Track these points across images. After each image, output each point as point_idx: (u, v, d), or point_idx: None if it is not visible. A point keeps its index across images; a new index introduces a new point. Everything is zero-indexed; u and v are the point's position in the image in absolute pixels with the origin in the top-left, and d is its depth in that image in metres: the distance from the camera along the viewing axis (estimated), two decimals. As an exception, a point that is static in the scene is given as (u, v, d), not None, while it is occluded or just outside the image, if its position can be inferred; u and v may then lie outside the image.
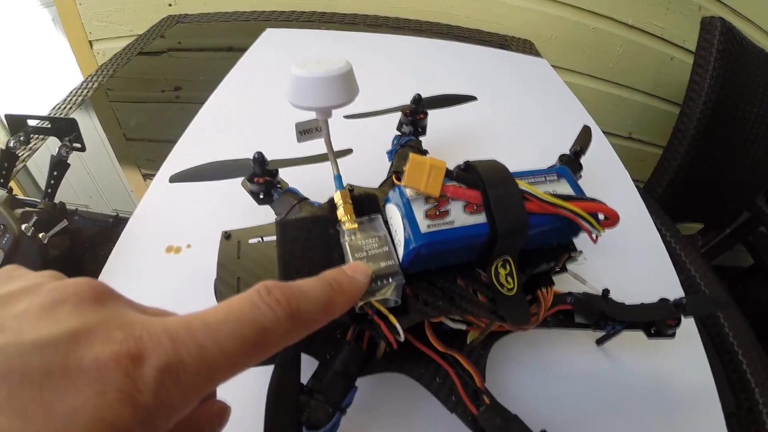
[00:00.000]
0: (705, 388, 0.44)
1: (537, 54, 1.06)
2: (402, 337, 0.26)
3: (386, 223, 0.31)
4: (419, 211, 0.28)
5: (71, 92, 0.83)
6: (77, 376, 0.14)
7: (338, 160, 0.36)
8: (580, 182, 0.47)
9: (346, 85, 0.32)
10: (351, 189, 0.33)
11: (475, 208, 0.29)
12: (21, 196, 0.50)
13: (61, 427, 0.13)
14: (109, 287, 0.18)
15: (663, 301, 0.41)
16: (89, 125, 0.76)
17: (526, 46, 1.10)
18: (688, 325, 0.48)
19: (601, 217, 0.31)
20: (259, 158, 0.41)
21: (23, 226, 0.45)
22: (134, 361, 0.15)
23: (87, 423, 0.14)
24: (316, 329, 0.21)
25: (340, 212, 0.31)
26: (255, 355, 0.18)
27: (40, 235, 0.46)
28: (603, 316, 0.39)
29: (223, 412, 0.23)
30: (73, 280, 0.18)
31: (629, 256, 0.55)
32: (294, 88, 0.32)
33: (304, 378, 0.30)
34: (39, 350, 0.14)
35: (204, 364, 0.16)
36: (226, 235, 0.37)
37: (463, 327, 0.33)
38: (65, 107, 0.78)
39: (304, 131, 0.34)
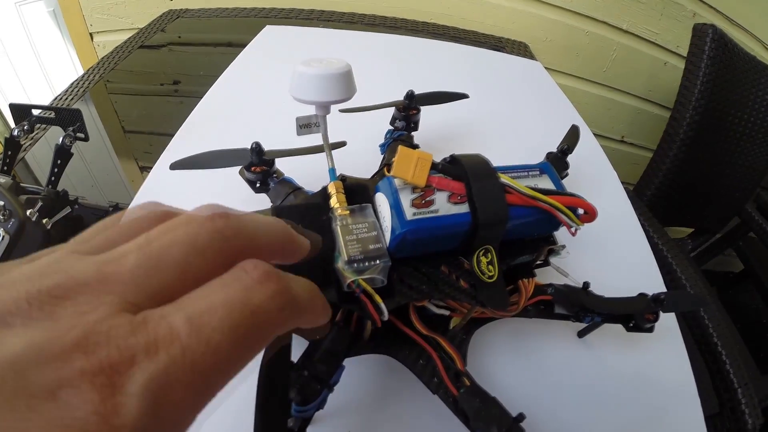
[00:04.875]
0: (685, 384, 0.45)
1: (531, 56, 1.07)
2: (386, 316, 0.28)
3: (375, 211, 0.33)
4: (406, 200, 0.30)
5: (72, 84, 0.84)
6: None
7: (333, 152, 0.38)
8: (567, 181, 0.49)
9: (344, 83, 0.35)
10: (344, 179, 0.35)
11: (458, 198, 0.31)
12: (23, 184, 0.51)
13: None
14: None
15: (642, 295, 0.42)
16: (87, 117, 0.77)
17: (520, 49, 1.12)
18: (670, 323, 0.49)
19: (580, 211, 0.33)
20: (257, 148, 0.42)
21: (28, 212, 0.46)
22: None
23: None
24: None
25: (333, 201, 0.32)
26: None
27: (44, 221, 0.47)
28: (582, 307, 0.40)
29: None
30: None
31: (614, 255, 0.57)
32: (297, 83, 0.35)
33: (295, 357, 0.32)
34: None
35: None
36: (224, 220, 0.38)
37: (446, 312, 0.35)
38: (67, 98, 0.79)
39: (304, 125, 0.36)
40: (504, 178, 0.32)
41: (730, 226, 1.31)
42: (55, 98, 0.80)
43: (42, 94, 1.66)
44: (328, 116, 0.38)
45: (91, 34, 1.39)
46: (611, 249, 0.57)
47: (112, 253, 0.15)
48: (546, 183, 0.35)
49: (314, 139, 0.40)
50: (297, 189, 0.43)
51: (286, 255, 0.20)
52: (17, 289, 0.14)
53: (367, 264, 0.28)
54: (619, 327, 0.43)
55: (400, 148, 0.30)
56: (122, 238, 0.16)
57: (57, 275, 0.14)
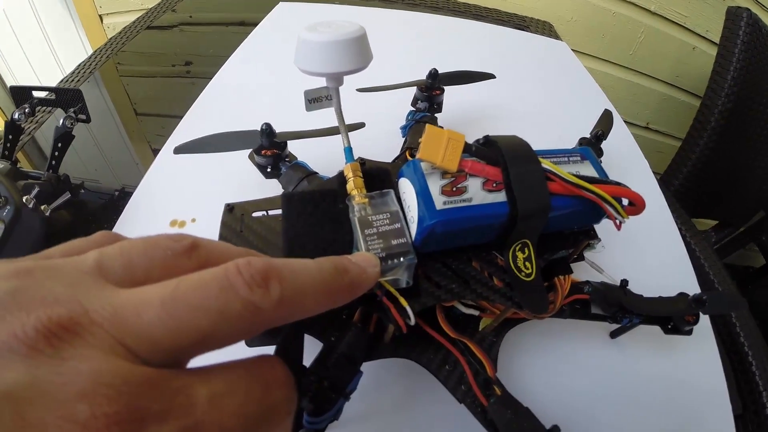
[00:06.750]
0: (716, 389, 0.43)
1: (556, 36, 1.03)
2: (413, 321, 0.25)
3: (399, 198, 0.29)
4: (435, 187, 0.26)
5: (79, 65, 0.82)
6: None
7: (350, 134, 0.34)
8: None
9: (358, 49, 0.30)
10: (362, 162, 0.32)
11: (494, 185, 0.27)
12: (25, 168, 0.49)
13: None
14: None
15: (682, 295, 0.39)
16: (99, 99, 0.75)
17: (545, 28, 1.07)
18: (703, 324, 0.47)
19: (625, 202, 0.30)
20: (267, 130, 0.39)
21: (24, 198, 0.44)
22: None
23: None
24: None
25: (350, 185, 0.29)
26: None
27: (42, 208, 0.45)
28: (621, 308, 0.38)
29: None
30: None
31: (646, 249, 0.54)
32: (303, 53, 0.30)
33: (307, 361, 0.29)
34: None
35: None
36: (229, 208, 0.35)
37: (475, 312, 0.32)
38: (73, 80, 0.77)
39: (314, 99, 0.32)
40: (545, 164, 0.28)
41: (755, 220, 1.28)
42: (62, 80, 0.78)
43: (54, 77, 1.65)
44: (342, 89, 0.33)
45: (100, 16, 1.38)
46: (642, 243, 0.54)
47: (131, 297, 0.15)
48: (588, 170, 0.31)
49: (330, 121, 0.37)
50: (311, 174, 0.40)
51: (340, 301, 0.19)
52: (27, 314, 0.13)
53: (389, 263, 0.24)
54: (650, 327, 0.40)
55: (428, 127, 0.27)
56: (143, 263, 0.16)
57: (71, 305, 0.14)
